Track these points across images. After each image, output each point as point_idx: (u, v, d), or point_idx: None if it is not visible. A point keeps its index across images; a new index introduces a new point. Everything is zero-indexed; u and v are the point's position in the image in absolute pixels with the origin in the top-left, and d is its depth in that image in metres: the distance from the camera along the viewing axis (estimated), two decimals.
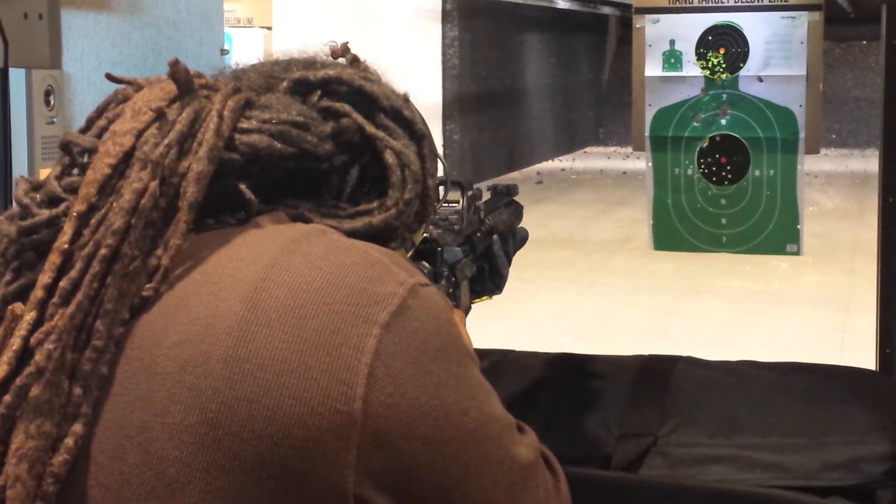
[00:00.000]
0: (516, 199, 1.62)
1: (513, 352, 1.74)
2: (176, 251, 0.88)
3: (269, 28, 9.61)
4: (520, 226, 1.59)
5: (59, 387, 0.84)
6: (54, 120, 2.29)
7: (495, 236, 1.47)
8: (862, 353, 2.33)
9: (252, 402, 0.82)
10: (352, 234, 0.96)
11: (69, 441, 0.84)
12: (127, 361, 0.86)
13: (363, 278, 0.87)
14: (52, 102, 2.28)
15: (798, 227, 2.22)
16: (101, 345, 0.85)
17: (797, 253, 2.24)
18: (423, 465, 0.86)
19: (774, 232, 2.22)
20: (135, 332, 0.87)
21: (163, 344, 0.85)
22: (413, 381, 0.85)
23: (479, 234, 1.43)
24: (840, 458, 1.41)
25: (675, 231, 2.27)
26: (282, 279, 0.86)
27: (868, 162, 14.33)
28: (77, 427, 0.84)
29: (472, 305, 1.43)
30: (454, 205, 1.37)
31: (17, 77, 2.21)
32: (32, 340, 0.85)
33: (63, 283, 0.86)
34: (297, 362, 0.83)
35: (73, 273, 0.86)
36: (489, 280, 1.47)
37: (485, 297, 1.48)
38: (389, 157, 0.99)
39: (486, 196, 1.56)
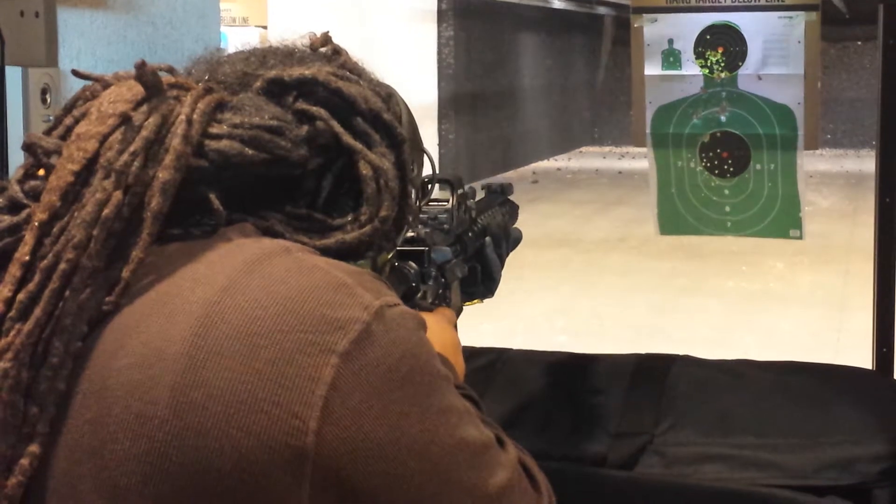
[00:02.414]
0: (511, 198, 1.60)
1: (509, 351, 1.74)
2: (138, 264, 0.85)
3: (265, 27, 9.59)
4: (514, 226, 1.57)
5: (14, 407, 0.81)
6: (51, 118, 2.28)
7: (488, 238, 1.44)
8: (857, 353, 2.34)
9: (200, 433, 0.78)
10: (324, 250, 0.92)
11: (24, 462, 0.81)
12: (81, 381, 0.83)
13: (323, 303, 0.83)
14: (48, 101, 2.27)
15: (800, 215, 2.25)
16: (58, 362, 0.82)
17: (800, 237, 2.28)
18: (383, 501, 0.82)
19: (777, 218, 2.26)
20: (91, 348, 0.84)
21: (113, 366, 0.82)
22: (372, 413, 0.81)
23: (470, 234, 1.40)
24: (836, 457, 1.41)
25: (680, 215, 2.30)
26: (237, 303, 0.82)
27: (863, 162, 14.34)
28: (33, 447, 0.81)
29: (464, 307, 1.41)
30: (444, 203, 1.34)
31: (13, 75, 2.20)
32: None
33: (21, 297, 0.83)
34: (247, 393, 0.79)
35: (32, 286, 0.83)
36: (481, 283, 1.44)
37: (476, 301, 1.45)
38: (365, 170, 0.95)
39: (481, 195, 1.53)
